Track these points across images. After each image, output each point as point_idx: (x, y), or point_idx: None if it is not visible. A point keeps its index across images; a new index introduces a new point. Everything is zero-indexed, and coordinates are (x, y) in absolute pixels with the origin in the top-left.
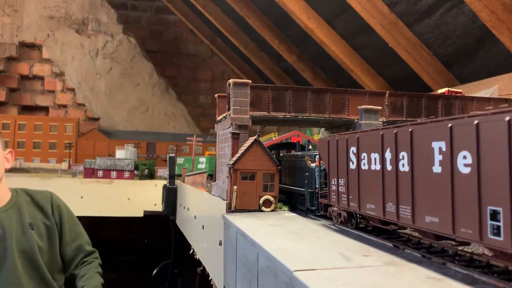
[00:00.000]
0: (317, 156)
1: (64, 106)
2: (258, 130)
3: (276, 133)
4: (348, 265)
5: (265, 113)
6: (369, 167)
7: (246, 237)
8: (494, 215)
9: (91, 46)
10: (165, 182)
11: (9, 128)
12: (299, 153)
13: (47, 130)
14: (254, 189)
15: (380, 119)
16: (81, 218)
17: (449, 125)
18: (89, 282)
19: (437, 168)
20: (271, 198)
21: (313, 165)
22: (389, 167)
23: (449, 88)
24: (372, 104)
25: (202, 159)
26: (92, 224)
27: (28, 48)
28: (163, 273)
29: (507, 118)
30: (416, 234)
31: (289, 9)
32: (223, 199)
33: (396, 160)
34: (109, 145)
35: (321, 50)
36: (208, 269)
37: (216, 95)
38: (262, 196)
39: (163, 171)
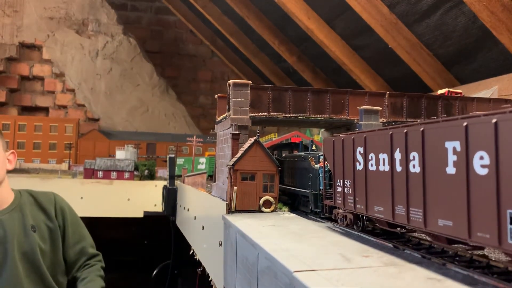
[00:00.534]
0: (322, 157)
1: (64, 106)
2: (258, 131)
3: (276, 134)
4: (348, 266)
5: (265, 113)
6: (377, 168)
7: (246, 238)
8: None
9: (91, 47)
10: (165, 182)
11: (9, 128)
12: (303, 153)
13: (47, 131)
14: (254, 190)
15: (380, 120)
16: (81, 219)
17: (464, 124)
18: (90, 286)
19: (451, 169)
20: (271, 199)
21: (317, 166)
22: (398, 168)
23: (449, 89)
24: (372, 104)
25: (202, 160)
26: (92, 224)
27: (28, 48)
28: (163, 274)
29: None
30: (419, 236)
31: (289, 9)
32: (223, 200)
33: (406, 160)
34: (109, 146)
35: (321, 51)
36: (208, 270)
37: (216, 96)
38: (262, 197)
39: (163, 172)
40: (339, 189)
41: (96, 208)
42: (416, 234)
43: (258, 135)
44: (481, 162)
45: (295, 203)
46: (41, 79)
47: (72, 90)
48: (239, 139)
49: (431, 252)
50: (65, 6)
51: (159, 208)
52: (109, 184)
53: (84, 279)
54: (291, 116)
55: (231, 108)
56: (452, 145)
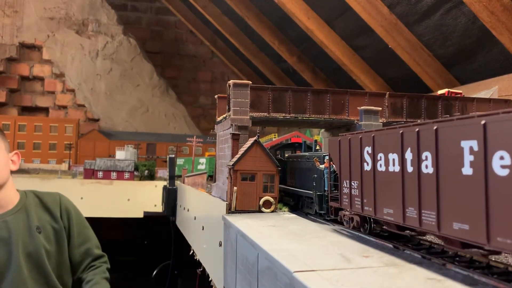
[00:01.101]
0: (327, 157)
1: (64, 107)
2: (258, 131)
3: (276, 134)
4: (348, 266)
5: (265, 114)
6: (387, 168)
7: (246, 238)
8: None
9: (91, 47)
10: (165, 183)
11: (9, 129)
12: (306, 153)
13: (47, 131)
14: (254, 190)
15: (380, 120)
16: None
17: (482, 122)
18: None
19: (467, 170)
20: (271, 199)
21: (322, 166)
22: (410, 169)
23: (449, 89)
24: (372, 105)
25: (202, 160)
26: (92, 225)
27: (28, 49)
28: (163, 274)
29: None
30: (428, 239)
31: (289, 9)
32: (223, 200)
33: (418, 161)
34: (109, 146)
35: (321, 51)
36: (208, 270)
37: (216, 96)
38: (262, 197)
39: (163, 172)
40: (346, 191)
41: (96, 208)
42: (422, 237)
43: (258, 136)
44: (501, 163)
45: (298, 204)
46: (41, 79)
47: (72, 91)
48: (239, 139)
49: (431, 252)
50: (65, 7)
51: (159, 208)
52: (109, 184)
53: (90, 282)
54: (291, 116)
55: (231, 108)
56: (469, 145)
